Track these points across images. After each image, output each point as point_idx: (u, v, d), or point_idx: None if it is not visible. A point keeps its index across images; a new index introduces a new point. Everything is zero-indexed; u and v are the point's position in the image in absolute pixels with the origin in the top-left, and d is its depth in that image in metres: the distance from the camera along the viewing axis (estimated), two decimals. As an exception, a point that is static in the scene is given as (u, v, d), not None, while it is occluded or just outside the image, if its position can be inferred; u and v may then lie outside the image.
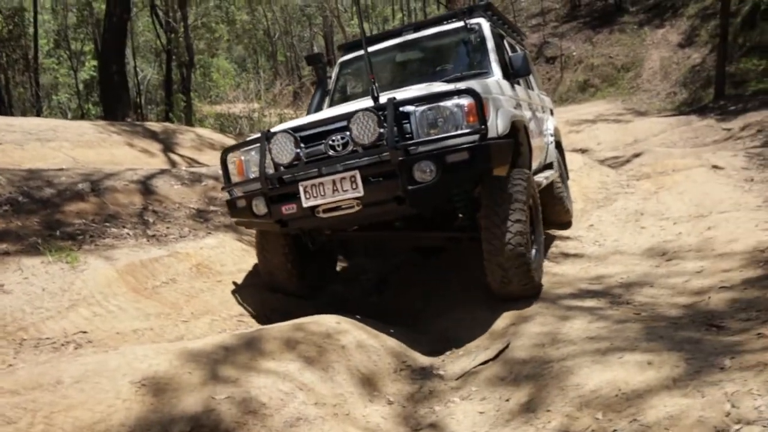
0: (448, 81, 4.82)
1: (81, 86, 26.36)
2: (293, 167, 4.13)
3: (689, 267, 4.98)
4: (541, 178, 5.66)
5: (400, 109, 3.92)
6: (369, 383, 3.56)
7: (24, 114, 20.07)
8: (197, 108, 23.75)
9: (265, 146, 4.22)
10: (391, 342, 4.00)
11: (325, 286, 5.51)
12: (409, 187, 3.80)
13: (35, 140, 8.48)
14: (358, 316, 4.26)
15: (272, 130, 4.27)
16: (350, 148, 3.97)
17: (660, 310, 4.02)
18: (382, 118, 3.86)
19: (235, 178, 4.65)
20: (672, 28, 21.86)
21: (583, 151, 12.90)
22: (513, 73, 5.19)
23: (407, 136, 3.93)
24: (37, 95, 21.65)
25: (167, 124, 13.50)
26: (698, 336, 3.33)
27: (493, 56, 5.27)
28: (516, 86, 5.36)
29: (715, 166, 8.80)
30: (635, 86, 20.30)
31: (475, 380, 3.49)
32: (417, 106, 3.93)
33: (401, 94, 4.27)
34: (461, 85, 4.00)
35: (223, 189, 4.88)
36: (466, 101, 3.86)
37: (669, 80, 19.62)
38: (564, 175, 7.35)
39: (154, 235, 5.68)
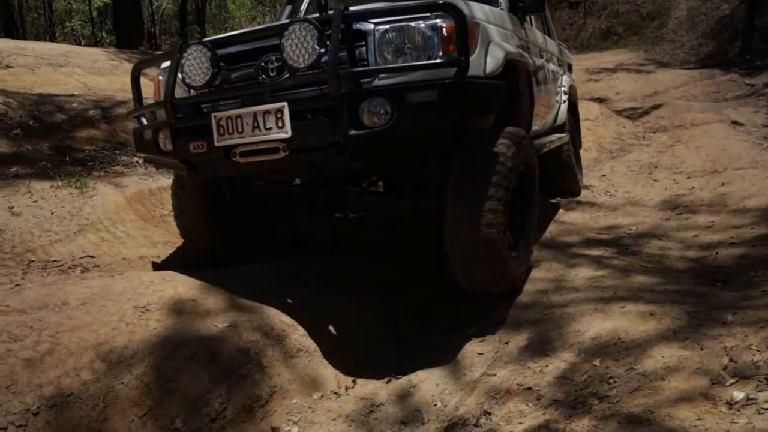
0: None
1: (95, 13, 26.01)
2: (209, 92, 3.20)
3: (700, 221, 4.94)
4: (545, 141, 4.72)
5: (355, 26, 2.92)
6: (369, 319, 3.60)
7: (37, 40, 19.88)
8: (211, 40, 23.40)
9: (176, 62, 3.21)
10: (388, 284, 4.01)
11: (262, 253, 4.34)
12: (351, 132, 2.81)
13: (47, 65, 8.41)
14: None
15: (191, 42, 3.25)
16: (287, 73, 3.01)
17: (667, 263, 4.01)
18: (327, 35, 2.87)
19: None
20: (702, -23, 21.07)
21: (600, 100, 12.65)
22: (522, 6, 4.16)
23: (361, 63, 2.96)
24: (50, 20, 21.40)
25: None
26: (703, 290, 3.32)
27: None
28: (527, 25, 4.40)
29: (734, 122, 8.63)
30: (659, 36, 19.72)
31: (475, 322, 3.51)
32: (377, 24, 2.92)
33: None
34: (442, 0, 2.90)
35: (128, 114, 3.85)
36: (444, 23, 2.84)
37: (695, 31, 19.03)
38: (576, 141, 6.63)
39: (163, 165, 5.68)
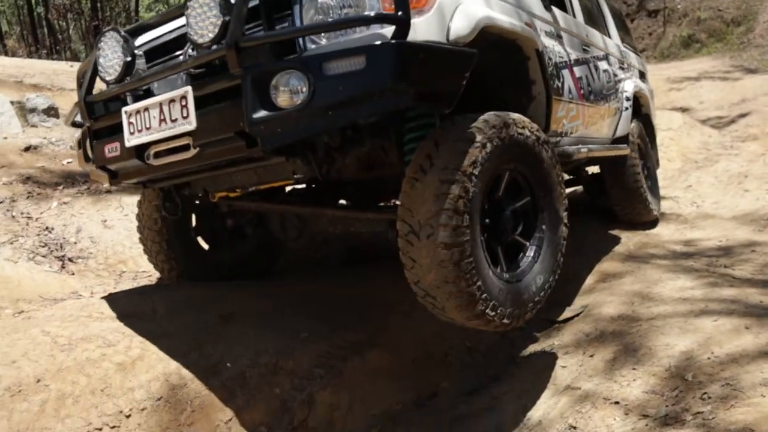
0: None
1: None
2: (121, 84, 2.60)
3: (796, 233, 4.66)
4: (583, 147, 3.69)
5: None
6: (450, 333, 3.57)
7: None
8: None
9: (94, 55, 2.66)
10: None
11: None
12: (256, 115, 2.16)
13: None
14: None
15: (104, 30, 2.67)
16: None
17: (759, 277, 3.79)
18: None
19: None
20: (793, -22, 20.05)
21: (683, 109, 12.18)
22: None
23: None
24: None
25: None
26: (803, 303, 3.12)
27: None
28: (558, 11, 3.60)
29: (833, 128, 8.13)
30: (746, 42, 18.86)
31: (559, 335, 3.42)
32: None
33: None
34: None
35: (66, 123, 3.37)
36: None
37: (786, 35, 18.12)
38: (650, 159, 5.47)
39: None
